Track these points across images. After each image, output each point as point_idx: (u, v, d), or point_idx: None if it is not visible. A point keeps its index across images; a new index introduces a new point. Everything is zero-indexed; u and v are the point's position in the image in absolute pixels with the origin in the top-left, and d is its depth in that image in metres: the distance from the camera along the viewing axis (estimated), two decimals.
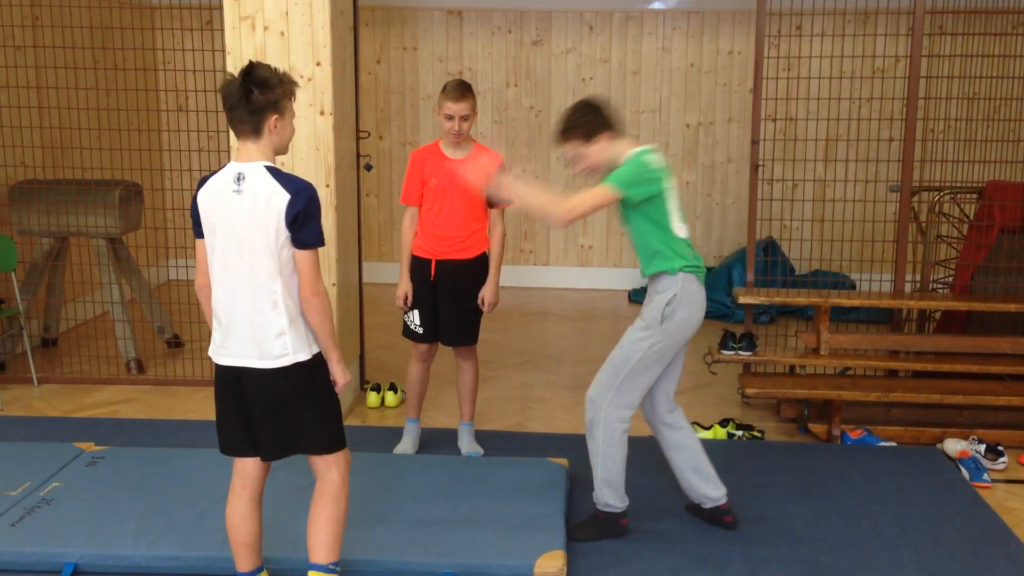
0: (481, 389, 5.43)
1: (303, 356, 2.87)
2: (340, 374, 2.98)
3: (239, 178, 2.80)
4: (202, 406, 5.11)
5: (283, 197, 2.75)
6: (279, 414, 2.89)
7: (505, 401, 5.28)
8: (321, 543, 3.00)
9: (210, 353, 2.95)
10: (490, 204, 4.20)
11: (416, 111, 7.77)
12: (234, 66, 4.60)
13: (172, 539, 3.44)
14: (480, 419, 4.98)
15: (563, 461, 4.21)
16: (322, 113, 4.65)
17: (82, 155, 5.97)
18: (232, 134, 4.66)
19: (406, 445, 4.44)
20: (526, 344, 6.37)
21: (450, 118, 4.06)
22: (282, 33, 4.60)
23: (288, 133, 2.88)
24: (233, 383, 2.91)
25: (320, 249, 2.87)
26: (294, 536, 3.31)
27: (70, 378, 5.49)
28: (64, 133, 5.97)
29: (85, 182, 5.64)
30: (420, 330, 4.28)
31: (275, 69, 2.83)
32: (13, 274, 5.36)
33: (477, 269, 4.26)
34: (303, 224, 2.78)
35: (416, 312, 4.26)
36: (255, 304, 2.82)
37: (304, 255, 2.81)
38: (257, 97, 2.76)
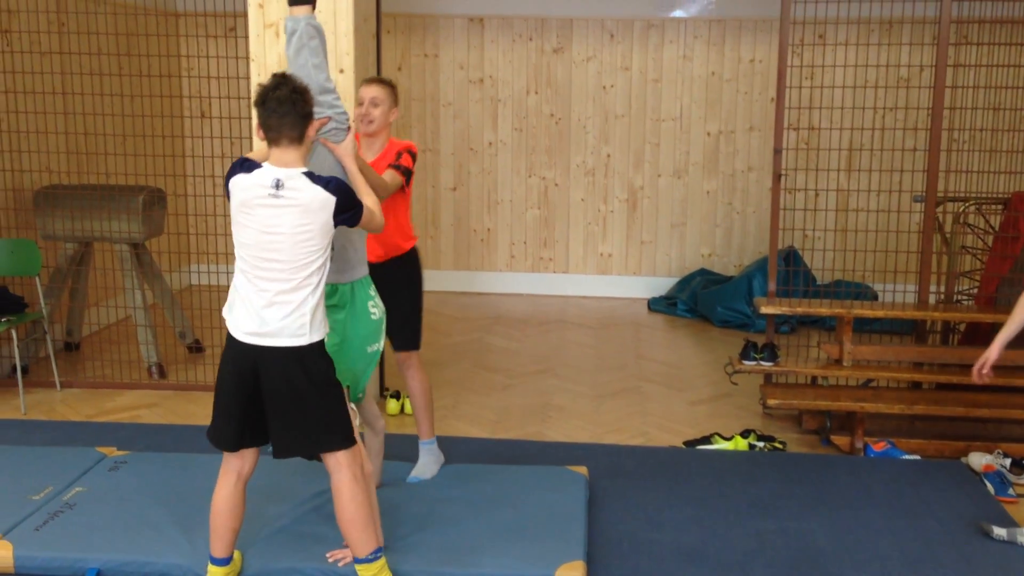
0: (500, 397, 5.44)
1: (317, 335, 3.01)
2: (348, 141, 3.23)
3: (277, 184, 2.90)
4: None
5: (330, 199, 2.94)
6: (298, 402, 2.97)
7: (524, 409, 5.27)
8: (355, 541, 3.12)
9: (232, 331, 3.00)
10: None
11: (436, 118, 7.78)
12: (258, 73, 4.63)
13: (194, 544, 3.44)
14: (499, 427, 4.98)
15: (582, 470, 4.19)
16: None
17: (106, 161, 6.02)
18: (254, 141, 4.69)
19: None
20: (545, 352, 6.36)
21: (360, 103, 3.90)
22: None
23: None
24: (248, 372, 2.98)
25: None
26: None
27: (92, 382, 5.53)
28: (89, 139, 6.01)
29: (109, 188, 5.68)
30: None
31: None
32: (37, 278, 5.40)
33: (402, 269, 4.04)
34: (346, 210, 2.99)
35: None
36: (289, 296, 2.94)
37: (363, 220, 3.08)
38: (304, 103, 2.93)
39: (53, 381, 5.43)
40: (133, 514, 3.68)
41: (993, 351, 3.57)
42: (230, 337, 3.04)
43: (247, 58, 4.74)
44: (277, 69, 4.59)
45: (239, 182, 2.96)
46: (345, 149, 3.23)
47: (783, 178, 5.18)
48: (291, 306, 2.95)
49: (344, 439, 3.08)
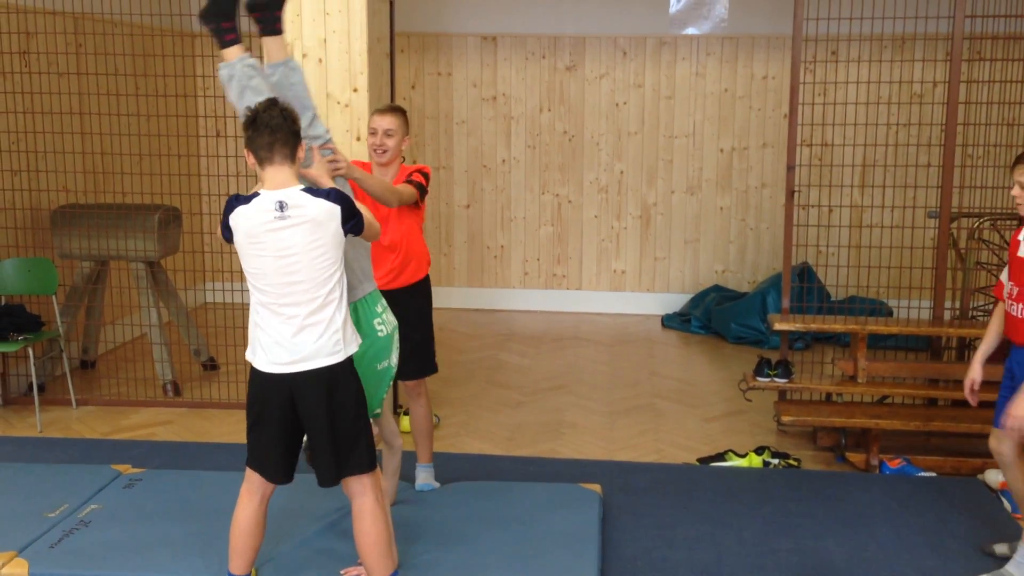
0: (513, 414, 5.44)
1: (352, 348, 3.04)
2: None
3: (281, 206, 2.90)
4: (237, 429, 5.13)
5: (335, 208, 2.95)
6: (336, 421, 2.97)
7: (537, 426, 5.26)
8: (374, 565, 3.11)
9: (261, 367, 2.98)
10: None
11: (450, 136, 7.82)
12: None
13: (209, 562, 3.45)
14: (512, 444, 4.98)
15: (596, 487, 4.18)
16: (358, 139, 4.69)
17: (123, 180, 6.07)
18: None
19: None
20: (558, 369, 6.35)
21: (373, 132, 3.92)
22: (320, 60, 4.65)
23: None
24: (287, 403, 2.97)
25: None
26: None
27: (108, 400, 5.56)
28: (105, 158, 6.07)
29: (125, 207, 5.73)
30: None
31: None
32: (54, 297, 5.44)
33: (414, 299, 4.03)
34: (351, 216, 2.99)
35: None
36: (316, 317, 2.94)
37: (363, 230, 3.07)
38: (294, 122, 2.97)
39: (69, 399, 5.46)
40: (148, 531, 3.69)
41: (975, 370, 3.69)
42: (257, 374, 3.00)
43: None
44: None
45: (242, 212, 2.93)
46: (317, 171, 3.22)
47: (797, 194, 5.18)
48: (322, 326, 2.95)
49: (371, 462, 3.08)
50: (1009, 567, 3.55)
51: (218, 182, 6.33)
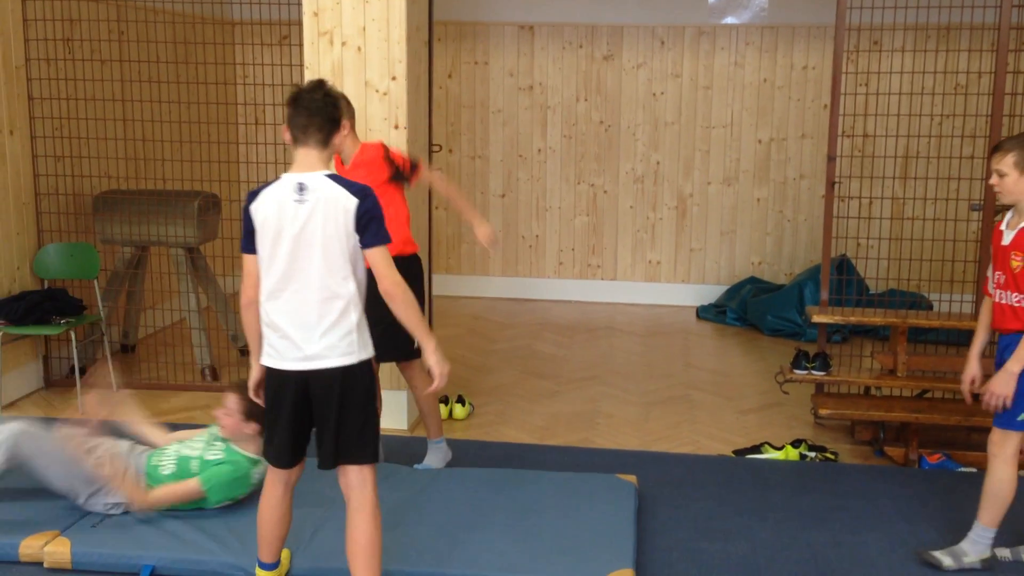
0: (548, 404, 5.44)
1: (365, 355, 2.95)
2: (437, 363, 2.94)
3: (300, 188, 2.87)
4: None
5: (351, 200, 2.86)
6: (344, 415, 2.92)
7: (572, 416, 5.26)
8: (367, 568, 2.98)
9: (267, 363, 2.96)
10: (401, 180, 4.04)
11: (486, 125, 7.81)
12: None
13: (245, 543, 3.48)
14: (547, 434, 4.98)
15: (631, 478, 4.18)
16: (396, 127, 4.70)
17: (163, 166, 6.14)
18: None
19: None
20: (593, 359, 6.34)
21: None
22: (359, 48, 4.67)
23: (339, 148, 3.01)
24: (293, 392, 2.92)
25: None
26: None
27: (148, 384, 5.63)
28: (146, 145, 6.14)
29: (165, 193, 5.79)
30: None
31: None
32: (95, 282, 5.52)
33: (411, 269, 3.96)
34: (368, 224, 2.87)
35: None
36: (327, 307, 2.88)
37: (376, 252, 2.90)
38: (335, 108, 2.93)
39: (110, 382, 5.53)
40: (187, 513, 3.73)
41: (973, 366, 3.66)
42: (273, 372, 2.95)
43: (301, 65, 4.80)
44: (330, 77, 4.66)
45: (265, 195, 2.89)
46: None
47: (837, 186, 5.12)
48: (334, 315, 2.86)
49: (374, 454, 2.99)
50: (963, 543, 3.55)
51: (256, 169, 6.38)
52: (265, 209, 2.90)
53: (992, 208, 5.04)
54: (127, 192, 5.82)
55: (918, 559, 3.61)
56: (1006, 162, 3.42)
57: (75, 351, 5.30)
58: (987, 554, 3.53)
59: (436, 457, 4.36)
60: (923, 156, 6.11)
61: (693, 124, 7.61)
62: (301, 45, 4.77)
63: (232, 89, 6.91)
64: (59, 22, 5.57)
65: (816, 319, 4.98)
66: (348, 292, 2.89)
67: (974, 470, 4.49)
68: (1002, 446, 3.45)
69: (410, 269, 3.91)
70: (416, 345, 3.05)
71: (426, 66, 5.13)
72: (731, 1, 7.45)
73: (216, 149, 6.49)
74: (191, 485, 3.71)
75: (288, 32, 6.59)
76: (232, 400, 3.79)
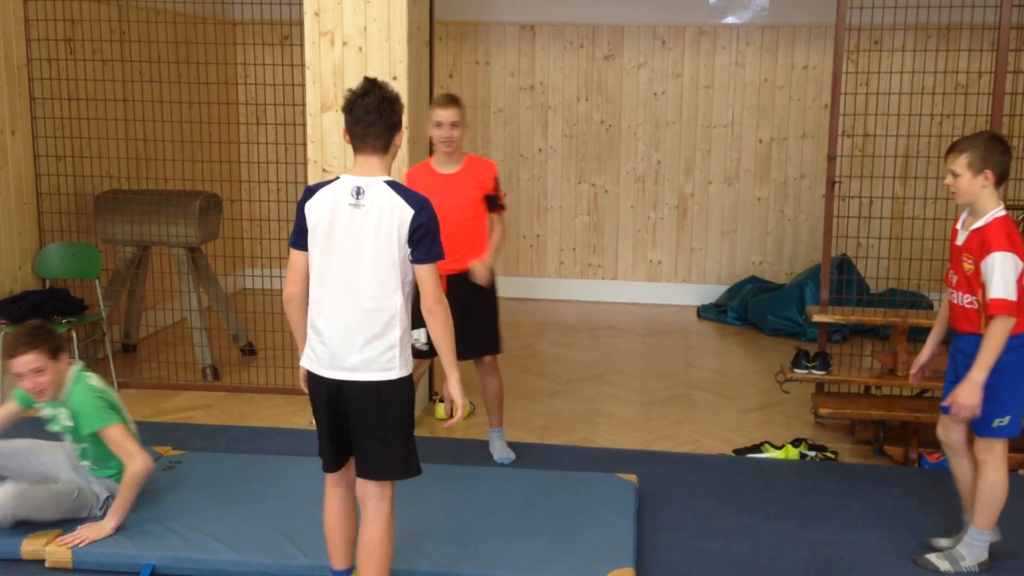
0: (549, 403, 5.45)
1: (404, 372, 2.90)
2: (459, 395, 2.92)
3: (358, 192, 2.82)
4: (276, 413, 5.20)
5: (407, 211, 2.80)
6: (374, 430, 2.88)
7: (572, 416, 5.26)
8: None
9: (307, 365, 2.94)
10: (490, 208, 4.26)
11: (487, 125, 7.82)
12: (313, 80, 4.70)
13: (247, 543, 3.50)
14: (547, 433, 4.99)
15: (632, 477, 4.18)
16: None
17: (164, 166, 6.15)
18: (308, 147, 4.76)
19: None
20: (594, 358, 6.35)
21: (439, 125, 4.11)
22: (360, 48, 4.67)
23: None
24: (327, 398, 2.91)
25: None
26: None
27: (149, 383, 5.64)
28: (148, 145, 6.15)
29: (167, 193, 5.80)
30: (427, 347, 3.75)
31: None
32: (97, 281, 5.53)
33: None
34: (422, 238, 2.81)
35: (423, 330, 3.64)
36: (372, 318, 2.83)
37: (425, 269, 2.84)
38: (392, 112, 2.85)
39: (111, 381, 5.54)
40: (188, 512, 3.74)
41: (924, 353, 3.73)
42: (312, 375, 2.94)
43: (302, 65, 4.81)
44: (331, 77, 4.67)
45: (322, 194, 2.85)
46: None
47: (837, 185, 5.12)
48: (378, 327, 2.81)
49: (398, 470, 2.95)
50: (960, 548, 3.56)
51: (258, 168, 6.39)
52: (320, 208, 2.85)
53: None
54: (128, 192, 5.83)
55: (915, 564, 3.61)
56: (959, 163, 3.41)
57: (76, 350, 5.31)
58: (984, 557, 3.54)
59: (504, 444, 4.58)
60: (923, 156, 6.11)
61: (694, 124, 7.61)
62: (302, 45, 4.77)
63: (233, 89, 6.92)
64: (60, 22, 5.58)
65: (816, 318, 4.98)
66: (395, 305, 2.83)
67: None
68: (989, 452, 3.46)
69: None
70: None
71: (427, 66, 5.13)
72: (732, 1, 7.45)
73: (217, 149, 6.50)
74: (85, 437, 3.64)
75: (289, 32, 6.60)
76: (31, 356, 3.51)
